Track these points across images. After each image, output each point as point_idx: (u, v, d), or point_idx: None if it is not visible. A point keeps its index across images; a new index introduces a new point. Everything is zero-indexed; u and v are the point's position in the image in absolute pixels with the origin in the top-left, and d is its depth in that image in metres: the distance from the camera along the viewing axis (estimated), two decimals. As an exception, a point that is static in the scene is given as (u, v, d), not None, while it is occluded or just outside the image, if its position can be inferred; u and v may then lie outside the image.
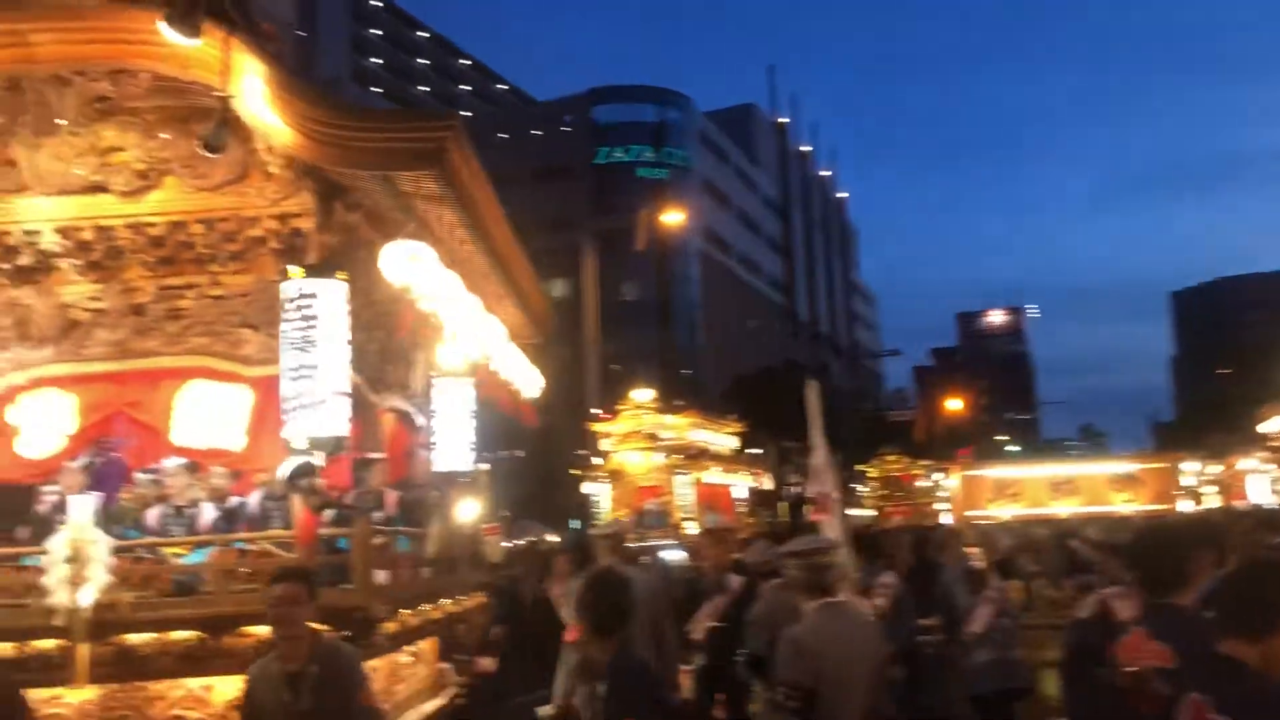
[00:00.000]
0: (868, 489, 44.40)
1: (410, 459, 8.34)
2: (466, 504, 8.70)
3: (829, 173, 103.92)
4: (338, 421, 5.79)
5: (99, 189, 6.39)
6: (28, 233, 6.56)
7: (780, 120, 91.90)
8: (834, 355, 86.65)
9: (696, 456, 26.24)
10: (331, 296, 5.82)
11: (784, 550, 4.41)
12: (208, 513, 6.62)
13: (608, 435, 26.97)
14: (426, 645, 7.61)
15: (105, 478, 6.88)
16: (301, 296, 5.79)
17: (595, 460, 27.71)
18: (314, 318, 5.75)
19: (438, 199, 6.16)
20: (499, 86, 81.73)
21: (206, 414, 6.75)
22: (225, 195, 6.34)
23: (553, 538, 30.47)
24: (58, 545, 5.44)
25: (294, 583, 4.20)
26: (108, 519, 6.26)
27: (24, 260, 6.70)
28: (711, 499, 26.21)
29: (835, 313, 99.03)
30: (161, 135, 6.26)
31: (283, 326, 5.81)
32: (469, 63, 77.51)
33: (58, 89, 6.10)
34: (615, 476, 25.93)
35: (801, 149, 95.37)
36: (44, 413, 6.86)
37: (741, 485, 29.65)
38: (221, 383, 6.72)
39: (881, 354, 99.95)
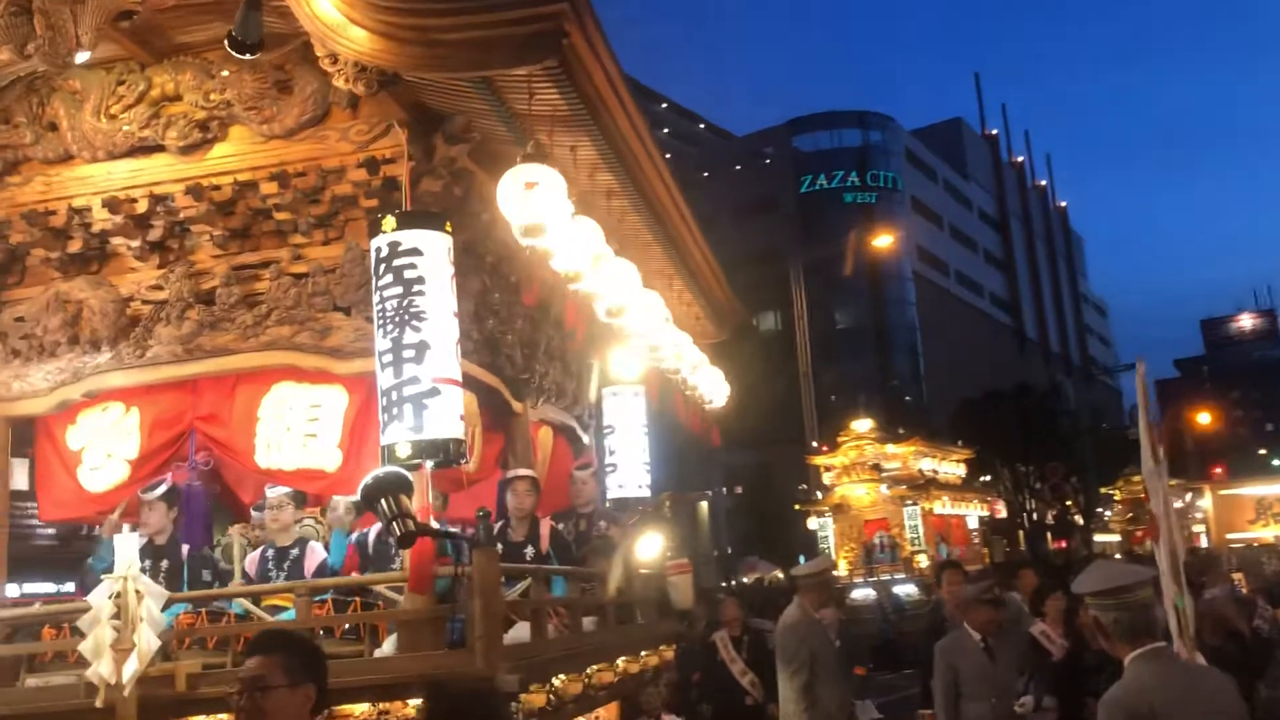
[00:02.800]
0: (1113, 512, 41.61)
1: (574, 483, 7.11)
2: (647, 538, 7.42)
3: (1046, 181, 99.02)
4: (448, 420, 4.48)
5: (153, 149, 5.40)
6: (75, 210, 5.58)
7: (990, 132, 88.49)
8: (1066, 373, 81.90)
9: (924, 486, 25.34)
10: (436, 253, 4.60)
11: (1085, 589, 3.31)
12: (317, 554, 5.50)
13: (829, 468, 26.46)
14: (603, 715, 6.30)
15: (188, 513, 5.79)
16: (397, 255, 4.56)
17: (817, 494, 27.22)
18: (416, 282, 4.52)
19: (565, 120, 4.92)
20: (698, 126, 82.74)
21: (294, 425, 5.48)
22: (302, 142, 5.22)
23: (779, 574, 30.14)
24: (99, 600, 4.34)
25: (267, 657, 2.53)
26: (195, 565, 5.50)
27: (74, 245, 5.72)
28: (943, 530, 25.20)
29: (1065, 328, 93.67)
30: (221, 72, 5.22)
31: (375, 297, 4.62)
32: (665, 105, 78.95)
33: (70, 4, 4.81)
34: (839, 510, 25.38)
35: (1015, 159, 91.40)
36: (108, 433, 5.74)
37: (974, 514, 28.37)
38: (309, 385, 5.46)
39: (1118, 369, 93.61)
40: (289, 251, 5.50)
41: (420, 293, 4.51)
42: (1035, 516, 42.17)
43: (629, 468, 7.91)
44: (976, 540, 27.71)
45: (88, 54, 4.80)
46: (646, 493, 7.92)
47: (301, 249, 5.50)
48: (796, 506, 29.85)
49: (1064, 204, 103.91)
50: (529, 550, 5.83)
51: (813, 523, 26.47)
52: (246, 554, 5.74)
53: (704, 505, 35.83)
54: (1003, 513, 32.97)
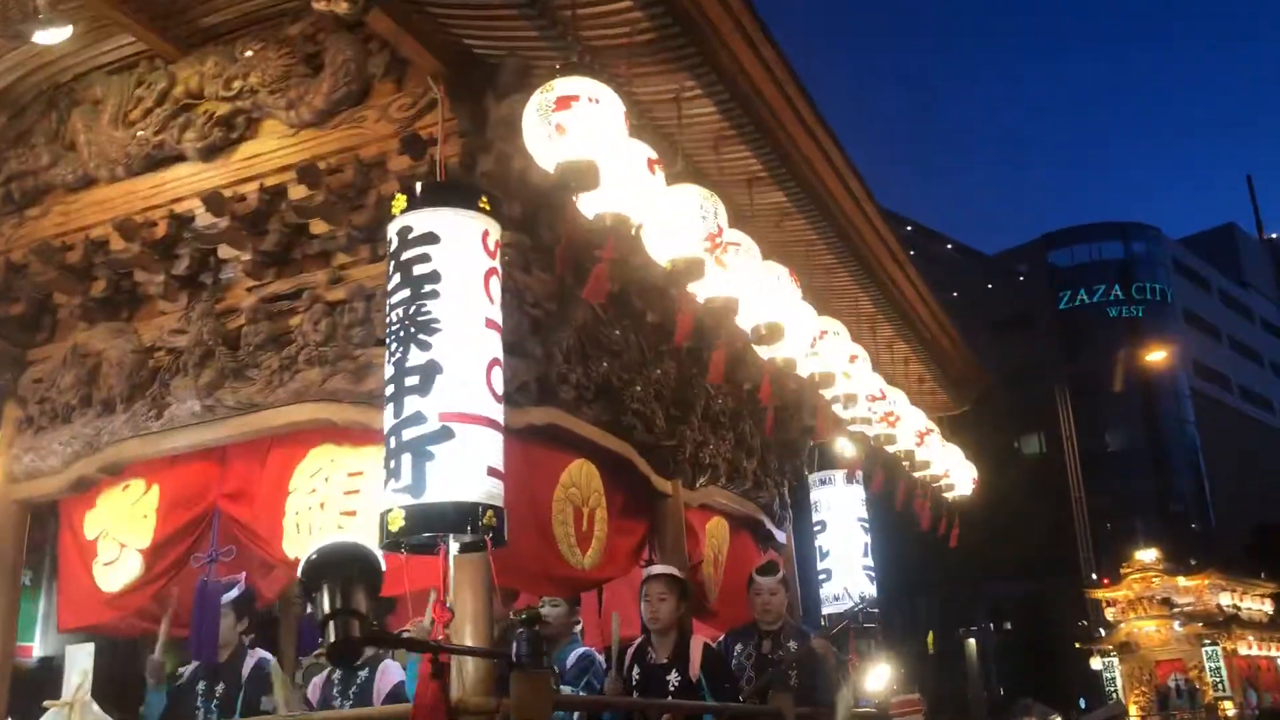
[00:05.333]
0: None
1: (753, 592, 5.41)
2: (866, 665, 6.16)
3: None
4: (466, 476, 3.12)
5: (174, 159, 4.43)
6: (94, 242, 4.61)
7: (1269, 236, 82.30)
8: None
9: (1224, 623, 23.25)
10: (462, 239, 3.30)
11: None
12: (391, 675, 4.49)
13: (1111, 603, 24.82)
14: None
15: (204, 619, 4.53)
16: (408, 244, 3.31)
17: (1100, 631, 25.51)
18: (428, 279, 3.25)
19: (670, 61, 3.71)
20: (946, 247, 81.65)
21: (330, 500, 4.27)
22: (336, 129, 4.15)
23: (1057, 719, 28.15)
24: None
25: None
26: (252, 688, 4.45)
27: (98, 287, 4.75)
28: (1251, 673, 22.93)
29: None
30: (245, 53, 4.29)
31: (389, 301, 3.36)
32: (912, 228, 78.66)
33: None
34: (1124, 649, 23.69)
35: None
36: (124, 518, 4.71)
37: (1286, 657, 25.64)
38: (350, 448, 4.26)
39: None
40: (328, 274, 4.36)
41: (432, 294, 3.23)
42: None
43: (846, 573, 6.49)
44: (1290, 686, 24.97)
45: (63, 30, 3.86)
46: (872, 607, 6.47)
47: (344, 269, 4.36)
48: (1077, 645, 28.02)
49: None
50: (674, 676, 4.44)
51: (1095, 663, 24.79)
52: (310, 676, 4.83)
53: (972, 642, 34.14)
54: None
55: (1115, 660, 23.62)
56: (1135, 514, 41.98)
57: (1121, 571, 24.99)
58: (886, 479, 6.50)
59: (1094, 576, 26.42)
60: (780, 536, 6.61)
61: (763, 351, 4.45)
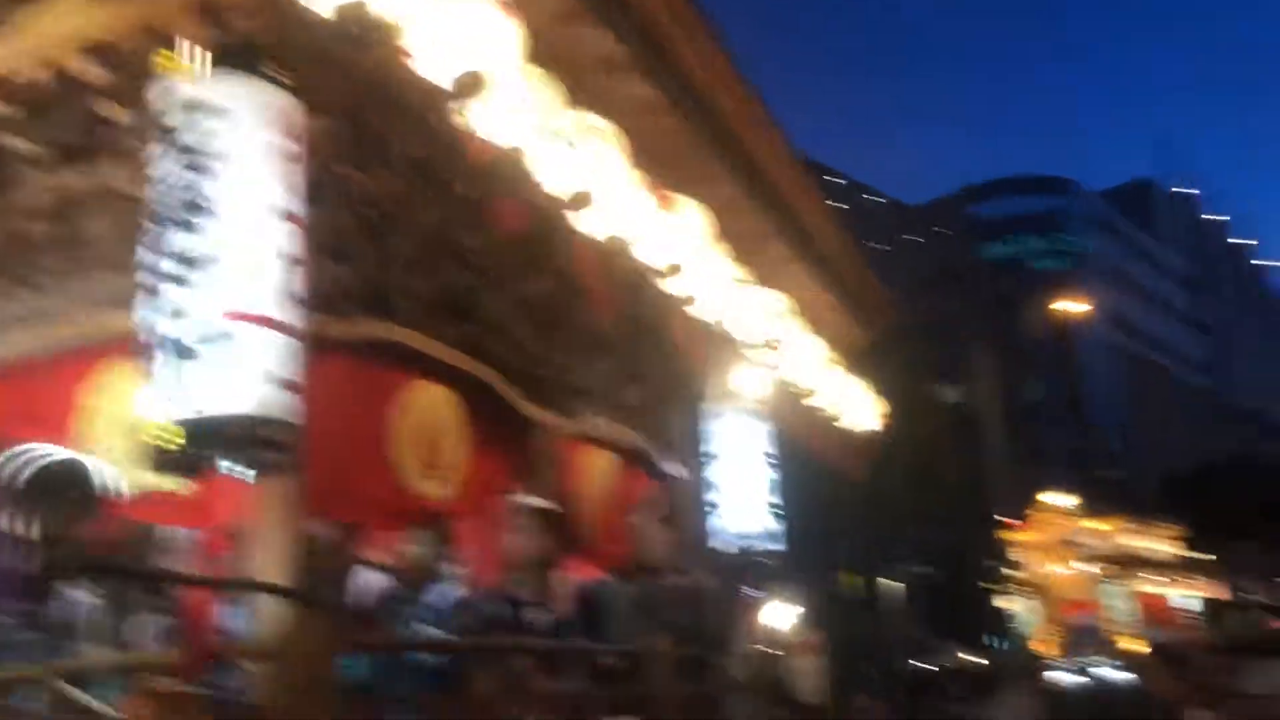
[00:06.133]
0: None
1: (635, 531, 5.25)
2: (761, 605, 5.69)
3: (1252, 241, 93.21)
4: (241, 383, 2.71)
5: None
6: None
7: (1184, 191, 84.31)
8: (1276, 439, 75.90)
9: (1129, 565, 23.96)
10: (252, 113, 2.85)
11: None
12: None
13: (1024, 545, 25.38)
14: None
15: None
16: (184, 110, 2.86)
17: (1012, 572, 26.10)
18: (201, 155, 2.81)
19: None
20: (873, 199, 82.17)
21: (126, 420, 3.40)
22: (134, 4, 3.52)
23: (971, 658, 28.83)
24: None
25: None
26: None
27: None
28: (1153, 612, 23.67)
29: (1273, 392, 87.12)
30: None
31: (153, 175, 2.90)
32: (837, 179, 78.93)
33: None
34: (1036, 590, 24.30)
35: (1213, 218, 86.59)
36: None
37: (1189, 595, 26.56)
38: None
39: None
40: (129, 171, 3.56)
41: (208, 171, 2.78)
42: (1258, 598, 38.89)
43: (742, 508, 6.05)
44: (1191, 623, 25.86)
45: None
46: (775, 543, 6.10)
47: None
48: (990, 586, 28.67)
49: (1271, 263, 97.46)
50: (540, 616, 4.12)
51: (1007, 604, 25.40)
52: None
53: (897, 584, 34.74)
54: (1223, 594, 30.62)
55: (1026, 600, 24.22)
56: (1051, 462, 42.98)
57: (1035, 516, 25.55)
58: (789, 412, 6.13)
59: (1009, 521, 26.94)
60: (675, 470, 6.07)
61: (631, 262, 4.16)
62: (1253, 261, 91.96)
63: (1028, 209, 64.46)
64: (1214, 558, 30.46)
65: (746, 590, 5.61)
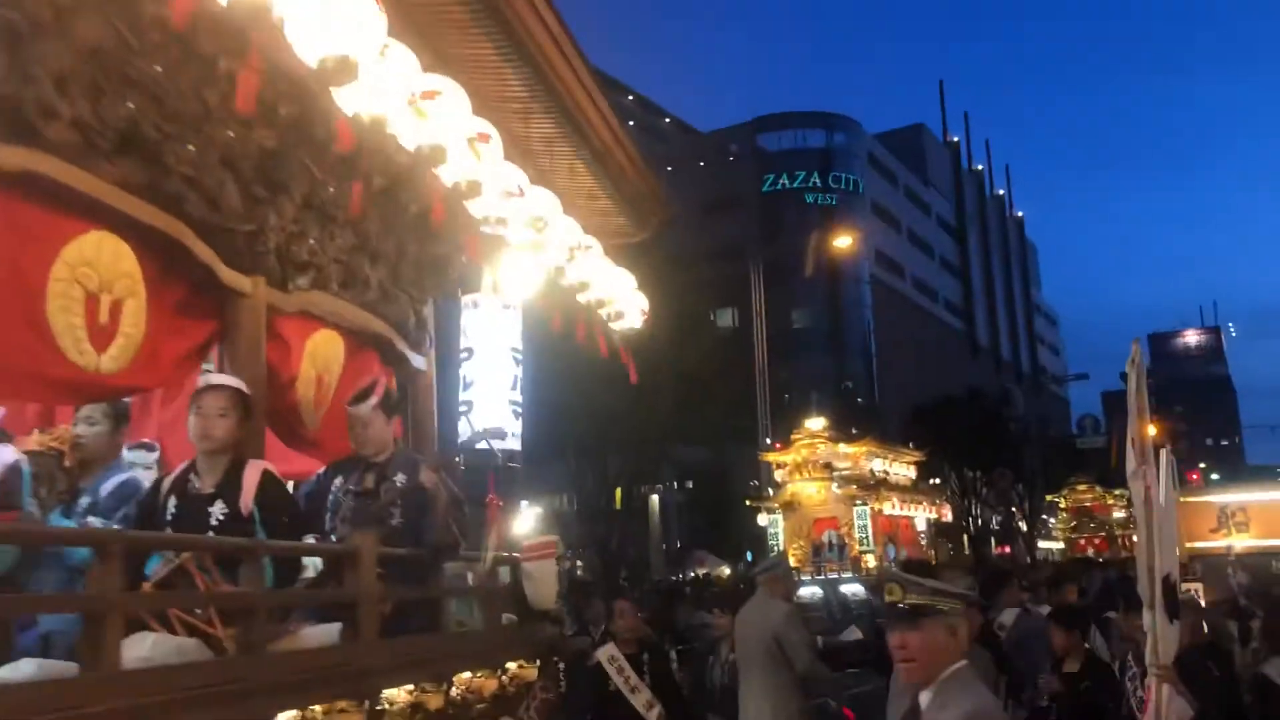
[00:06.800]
0: (1057, 520, 42.07)
1: (351, 421, 4.47)
2: (501, 508, 5.17)
3: (1004, 191, 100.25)
4: None
5: None
6: None
7: (952, 139, 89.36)
8: (1016, 380, 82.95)
9: (874, 487, 25.43)
10: None
11: None
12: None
13: (781, 465, 26.47)
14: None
15: None
16: None
17: (769, 491, 27.21)
18: None
19: None
20: (664, 120, 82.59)
21: None
22: None
23: (725, 570, 30.08)
24: None
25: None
26: None
27: None
28: (892, 531, 25.29)
29: (1017, 336, 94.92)
30: None
31: None
32: (633, 98, 78.73)
33: None
34: (789, 508, 25.41)
35: (975, 168, 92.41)
36: None
37: (922, 516, 28.55)
38: None
39: (1068, 379, 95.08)
40: None
41: None
42: (981, 521, 42.57)
43: (489, 406, 5.70)
44: (924, 542, 27.85)
45: None
46: (513, 443, 5.77)
47: None
48: (747, 502, 29.85)
49: (1021, 214, 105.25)
50: (218, 509, 3.62)
51: (762, 519, 26.50)
52: None
53: (655, 499, 35.70)
54: (949, 516, 33.19)
55: (779, 517, 25.31)
56: (812, 388, 44.96)
57: (792, 438, 26.63)
58: (554, 307, 5.65)
59: (769, 442, 28.01)
60: (418, 361, 5.56)
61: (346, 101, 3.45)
62: (1004, 213, 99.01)
63: (809, 143, 66.47)
64: (945, 481, 32.88)
65: (487, 492, 5.08)
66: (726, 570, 29.62)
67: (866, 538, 24.14)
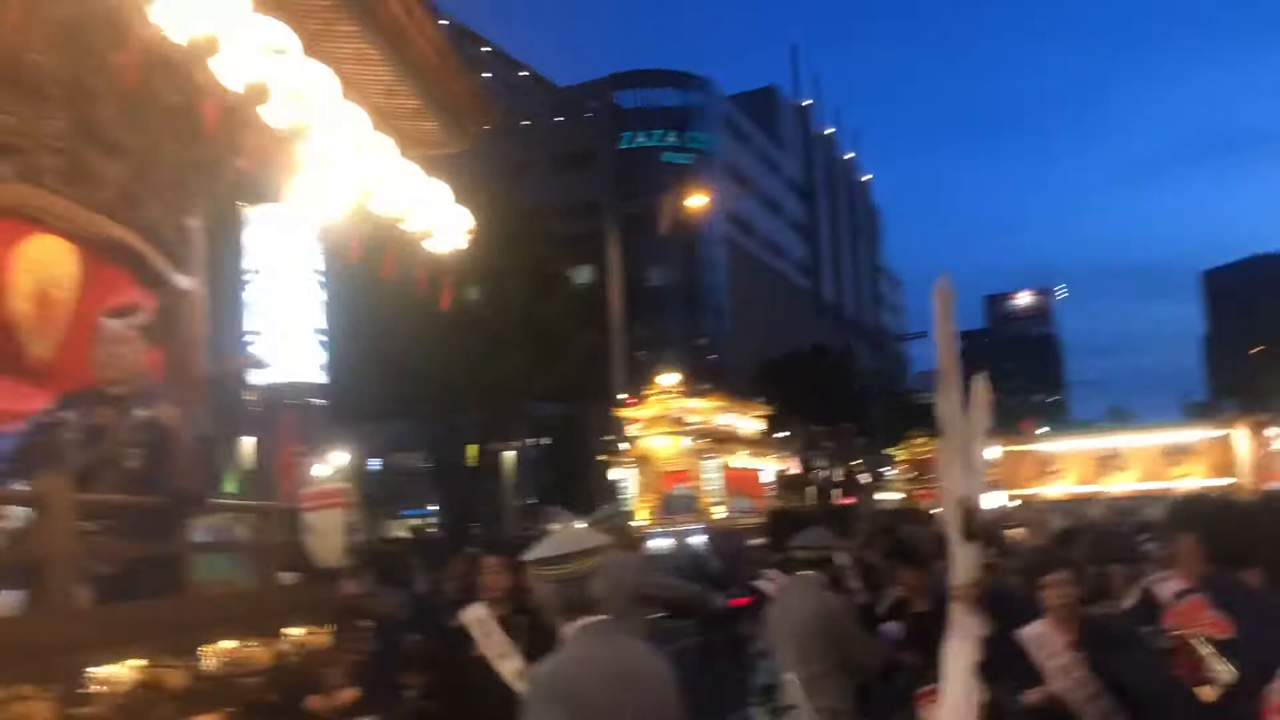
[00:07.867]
0: (896, 472, 44.07)
1: (99, 343, 3.93)
2: (289, 450, 4.62)
3: (852, 155, 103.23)
4: None
5: None
6: None
7: (803, 103, 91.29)
8: (860, 338, 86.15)
9: (724, 441, 26.18)
10: None
11: (533, 557, 2.84)
12: None
13: (634, 420, 26.93)
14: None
15: None
16: None
17: (622, 446, 27.66)
18: None
19: None
20: (520, 74, 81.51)
21: None
22: None
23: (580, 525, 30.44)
24: None
25: None
26: None
27: None
28: (740, 483, 26.12)
29: (861, 296, 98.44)
30: None
31: None
32: (489, 49, 77.35)
33: None
34: (642, 462, 25.92)
35: (825, 132, 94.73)
36: None
37: (770, 469, 29.54)
38: None
39: (908, 337, 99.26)
40: None
41: None
42: (825, 474, 44.29)
43: (284, 335, 5.05)
44: (771, 494, 28.87)
45: None
46: (318, 377, 5.07)
47: None
48: (600, 458, 30.26)
49: (867, 178, 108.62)
50: None
51: (615, 474, 26.93)
52: None
53: (508, 455, 35.75)
54: (796, 469, 34.44)
55: (633, 472, 25.81)
56: (666, 345, 45.74)
57: (645, 394, 27.10)
58: (358, 225, 4.61)
59: (623, 399, 28.42)
60: (182, 282, 4.70)
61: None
62: (852, 176, 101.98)
63: (665, 102, 66.86)
64: (791, 434, 34.09)
65: (276, 433, 4.57)
66: (578, 524, 29.99)
67: (716, 490, 24.89)
